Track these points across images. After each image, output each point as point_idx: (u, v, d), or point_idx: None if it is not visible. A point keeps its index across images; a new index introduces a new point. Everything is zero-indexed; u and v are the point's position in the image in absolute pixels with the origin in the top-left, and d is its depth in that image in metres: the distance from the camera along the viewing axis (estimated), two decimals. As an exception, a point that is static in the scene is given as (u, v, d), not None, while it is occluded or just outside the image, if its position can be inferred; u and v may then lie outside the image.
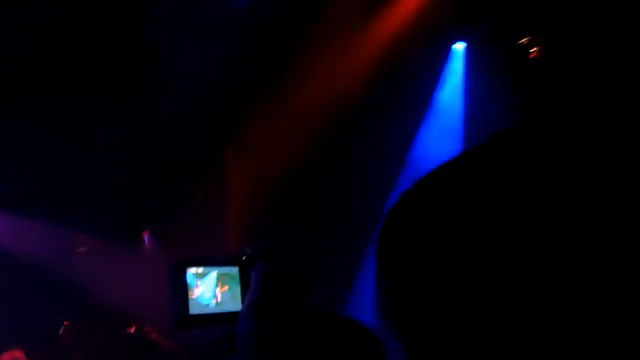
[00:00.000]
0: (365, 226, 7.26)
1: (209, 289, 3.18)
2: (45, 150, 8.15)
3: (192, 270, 3.17)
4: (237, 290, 3.18)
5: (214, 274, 3.20)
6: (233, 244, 8.54)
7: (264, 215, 8.40)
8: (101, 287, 8.11)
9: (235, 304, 3.16)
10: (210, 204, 8.78)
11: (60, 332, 7.56)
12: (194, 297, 3.15)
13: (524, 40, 7.40)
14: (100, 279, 8.16)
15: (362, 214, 7.94)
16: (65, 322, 7.62)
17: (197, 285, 3.15)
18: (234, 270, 3.20)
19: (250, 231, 8.37)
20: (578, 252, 0.77)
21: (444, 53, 8.79)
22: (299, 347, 2.65)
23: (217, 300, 3.20)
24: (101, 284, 8.13)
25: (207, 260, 3.23)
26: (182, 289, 3.12)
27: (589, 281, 0.78)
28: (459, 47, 8.76)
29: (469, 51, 8.70)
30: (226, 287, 3.21)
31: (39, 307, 8.04)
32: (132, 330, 7.62)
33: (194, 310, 3.14)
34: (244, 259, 3.16)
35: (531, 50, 7.34)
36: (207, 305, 3.18)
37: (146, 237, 8.31)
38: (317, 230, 8.28)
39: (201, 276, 3.15)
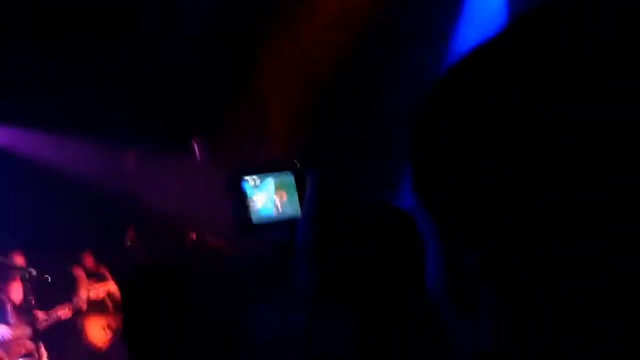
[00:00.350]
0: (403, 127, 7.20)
1: (268, 198, 3.30)
2: (85, 71, 8.20)
3: (249, 181, 3.28)
4: (295, 196, 3.29)
5: (271, 183, 3.30)
6: (277, 148, 8.59)
7: (304, 120, 8.42)
8: (158, 198, 8.26)
9: (294, 210, 3.29)
10: (253, 110, 8.79)
11: (126, 238, 7.81)
12: (255, 207, 3.27)
13: None
14: (157, 190, 8.33)
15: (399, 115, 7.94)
16: (130, 228, 7.84)
17: (255, 195, 3.27)
18: (290, 178, 3.30)
19: (292, 136, 8.39)
20: (578, 252, 0.78)
21: None
22: (348, 244, 2.79)
23: (277, 209, 3.32)
24: (158, 194, 8.29)
25: (262, 169, 3.33)
26: (242, 200, 3.24)
27: (589, 281, 0.79)
28: None
29: None
30: (284, 195, 3.32)
31: (99, 218, 8.27)
32: (193, 237, 7.88)
33: (256, 219, 3.28)
34: (297, 166, 3.25)
35: None
36: (268, 215, 3.31)
37: (195, 145, 8.41)
38: (357, 131, 8.31)
39: (258, 186, 3.26)
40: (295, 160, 3.37)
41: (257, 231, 3.41)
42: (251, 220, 3.33)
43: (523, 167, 0.80)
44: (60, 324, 7.27)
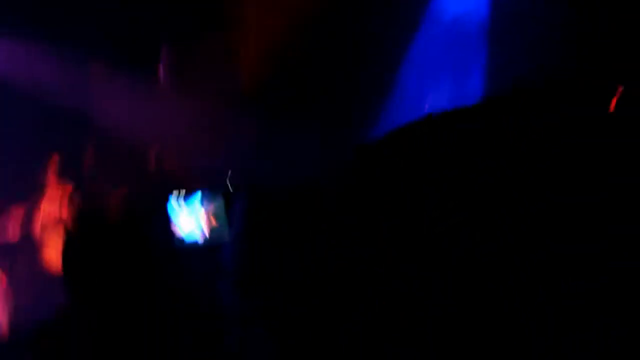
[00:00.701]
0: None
1: (195, 223, 3.17)
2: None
3: (176, 204, 3.13)
4: (224, 222, 3.17)
5: (200, 208, 3.17)
6: (248, 79, 8.34)
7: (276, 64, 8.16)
8: (120, 118, 8.03)
9: (221, 236, 3.17)
10: (227, 33, 8.46)
11: (83, 158, 7.58)
12: (181, 231, 3.14)
13: None
14: (120, 110, 8.08)
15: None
16: (89, 147, 7.59)
17: (183, 218, 3.12)
18: (220, 203, 3.17)
19: (265, 68, 8.15)
20: (578, 252, 0.91)
21: None
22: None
23: (204, 235, 3.20)
24: (120, 114, 8.05)
25: (192, 192, 3.18)
26: (167, 222, 3.12)
27: (589, 281, 0.90)
28: None
29: None
30: (213, 220, 3.19)
31: (54, 136, 7.98)
32: (153, 161, 7.82)
33: (179, 244, 3.15)
34: (227, 192, 3.12)
35: None
36: (194, 240, 3.19)
37: (161, 68, 8.14)
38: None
39: (188, 212, 3.12)
40: (226, 190, 3.25)
41: (181, 256, 3.31)
42: (174, 244, 3.23)
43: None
44: (13, 244, 7.11)
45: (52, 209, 7.48)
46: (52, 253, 7.63)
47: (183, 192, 3.26)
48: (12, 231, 7.11)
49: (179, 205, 3.27)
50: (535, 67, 8.06)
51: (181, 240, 3.24)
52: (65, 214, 7.56)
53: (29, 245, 7.46)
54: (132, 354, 2.80)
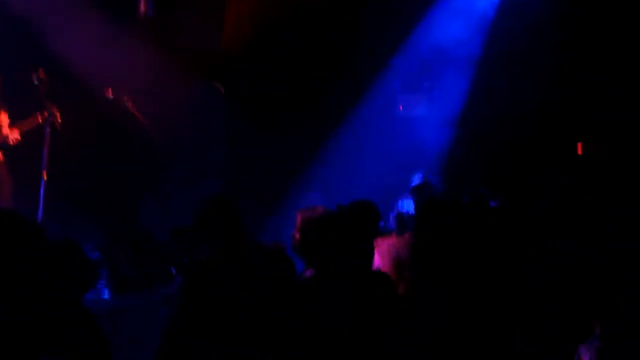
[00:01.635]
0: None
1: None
2: None
3: None
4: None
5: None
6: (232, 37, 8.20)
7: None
8: (82, 49, 7.81)
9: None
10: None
11: (34, 80, 7.04)
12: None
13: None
14: (83, 42, 7.83)
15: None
16: (41, 75, 7.08)
17: None
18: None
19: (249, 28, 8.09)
20: None
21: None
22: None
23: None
24: (83, 46, 7.81)
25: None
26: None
27: None
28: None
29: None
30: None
31: (11, 60, 7.47)
32: (109, 94, 7.48)
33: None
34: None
35: None
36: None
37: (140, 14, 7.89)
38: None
39: None
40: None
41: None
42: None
43: None
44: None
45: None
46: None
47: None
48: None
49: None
50: (515, 99, 8.29)
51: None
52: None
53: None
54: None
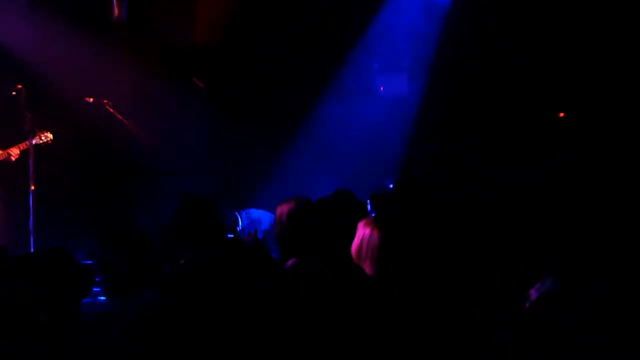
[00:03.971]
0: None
1: None
2: None
3: None
4: None
5: None
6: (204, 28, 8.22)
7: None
8: (61, 60, 7.86)
9: None
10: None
11: (12, 92, 7.05)
12: None
13: None
14: (62, 52, 7.87)
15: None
16: (18, 86, 7.08)
17: None
18: None
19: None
20: None
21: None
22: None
23: None
24: (61, 57, 7.86)
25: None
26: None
27: None
28: None
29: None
30: None
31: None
32: (89, 100, 7.46)
33: None
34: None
35: None
36: None
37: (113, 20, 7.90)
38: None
39: None
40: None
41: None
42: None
43: None
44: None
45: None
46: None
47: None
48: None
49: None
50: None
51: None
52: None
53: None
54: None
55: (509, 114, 8.06)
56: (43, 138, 7.11)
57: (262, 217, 7.14)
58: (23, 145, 7.05)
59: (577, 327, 3.05)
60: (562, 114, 8.22)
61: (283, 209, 3.86)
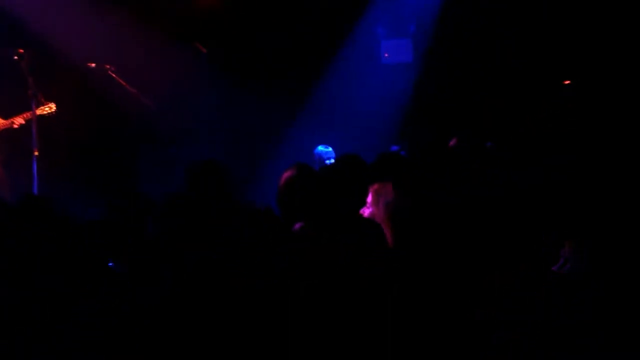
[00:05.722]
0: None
1: None
2: None
3: None
4: None
5: None
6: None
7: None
8: (63, 24, 7.81)
9: None
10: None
11: (14, 56, 7.01)
12: None
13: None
14: (64, 16, 7.83)
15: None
16: (20, 50, 7.03)
17: None
18: None
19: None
20: None
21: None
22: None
23: None
24: (64, 21, 7.82)
25: None
26: None
27: None
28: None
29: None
30: None
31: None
32: (92, 65, 7.46)
33: None
34: None
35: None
36: None
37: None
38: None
39: None
40: None
41: None
42: None
43: None
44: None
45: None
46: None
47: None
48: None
49: None
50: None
51: None
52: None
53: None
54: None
55: (509, 114, 8.12)
56: (47, 109, 7.09)
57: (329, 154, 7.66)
58: (27, 115, 7.03)
59: (577, 327, 3.06)
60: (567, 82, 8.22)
61: (283, 176, 3.88)
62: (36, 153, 6.79)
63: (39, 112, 6.96)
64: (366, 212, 3.57)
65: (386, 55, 8.79)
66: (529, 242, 3.70)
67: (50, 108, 7.11)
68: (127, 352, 2.66)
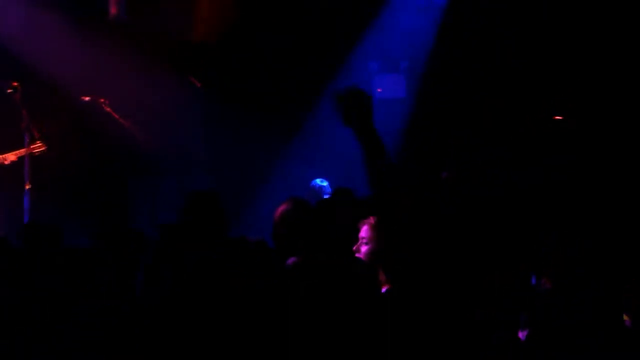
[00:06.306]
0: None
1: None
2: None
3: None
4: None
5: None
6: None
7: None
8: (58, 57, 7.83)
9: None
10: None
11: (8, 91, 7.01)
12: None
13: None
14: (59, 50, 7.86)
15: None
16: (14, 83, 7.03)
17: None
18: None
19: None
20: None
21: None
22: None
23: None
24: (58, 54, 7.84)
25: None
26: None
27: None
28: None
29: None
30: None
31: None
32: (86, 99, 7.44)
33: None
34: None
35: None
36: None
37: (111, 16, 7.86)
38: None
39: None
40: None
41: None
42: None
43: None
44: None
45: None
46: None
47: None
48: None
49: None
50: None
51: None
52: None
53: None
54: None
55: (509, 114, 8.08)
56: (38, 148, 7.03)
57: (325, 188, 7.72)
58: (19, 152, 6.99)
59: (577, 327, 3.04)
60: (558, 117, 8.23)
61: (279, 209, 3.87)
62: (28, 187, 6.75)
63: (30, 150, 6.92)
64: (363, 248, 3.52)
65: (379, 90, 8.83)
66: (529, 242, 3.67)
67: (41, 147, 7.06)
68: (127, 352, 2.63)
